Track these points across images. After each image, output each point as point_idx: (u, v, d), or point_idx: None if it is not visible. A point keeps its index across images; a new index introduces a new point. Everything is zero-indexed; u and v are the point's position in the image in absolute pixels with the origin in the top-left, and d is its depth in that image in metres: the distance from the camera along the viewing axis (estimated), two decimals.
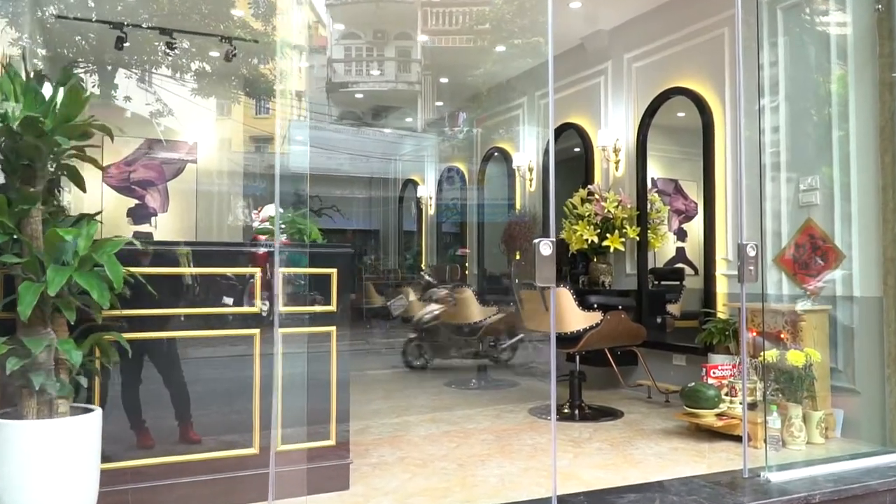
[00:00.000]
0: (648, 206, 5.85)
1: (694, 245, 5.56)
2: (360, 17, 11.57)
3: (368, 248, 12.12)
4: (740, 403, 4.25)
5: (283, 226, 3.65)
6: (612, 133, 6.17)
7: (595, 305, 4.84)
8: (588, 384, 5.33)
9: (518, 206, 7.82)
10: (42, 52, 7.47)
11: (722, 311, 5.00)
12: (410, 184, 10.68)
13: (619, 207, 5.80)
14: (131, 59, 7.72)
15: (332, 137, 11.18)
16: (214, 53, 7.57)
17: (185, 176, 7.31)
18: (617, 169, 6.16)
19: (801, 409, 4.03)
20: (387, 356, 8.61)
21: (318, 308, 3.12)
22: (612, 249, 5.80)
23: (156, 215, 7.12)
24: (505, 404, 5.32)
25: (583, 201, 6.03)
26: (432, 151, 10.51)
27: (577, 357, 4.92)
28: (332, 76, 12.83)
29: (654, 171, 5.96)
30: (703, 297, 5.28)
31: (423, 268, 9.91)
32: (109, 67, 7.77)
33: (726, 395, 4.36)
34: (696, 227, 5.55)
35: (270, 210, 3.88)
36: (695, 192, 5.61)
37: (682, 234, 5.86)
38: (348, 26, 12.35)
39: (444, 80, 9.43)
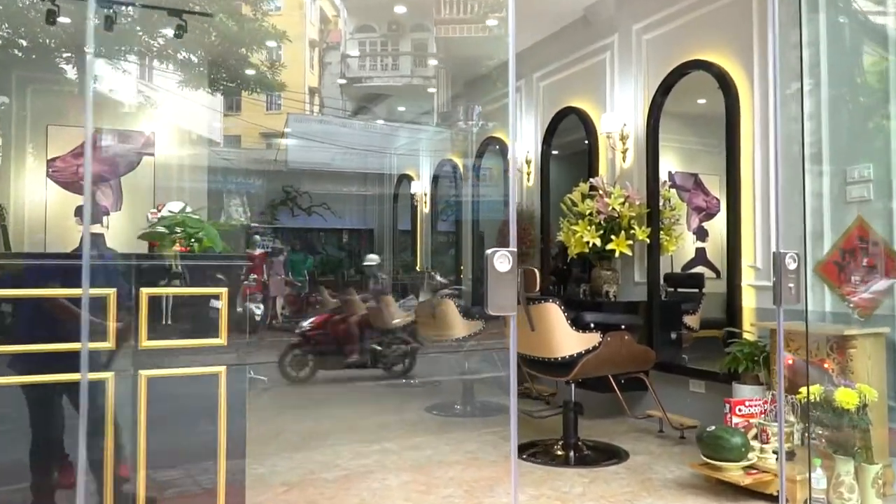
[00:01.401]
0: (661, 203, 4.97)
1: (716, 246, 4.70)
2: (373, 9, 11.04)
3: (362, 248, 11.35)
4: (773, 452, 3.38)
5: (178, 231, 2.87)
6: (619, 118, 5.28)
7: (592, 325, 3.96)
8: (589, 412, 4.50)
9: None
10: (23, 42, 7.05)
11: (749, 332, 4.10)
12: (405, 179, 9.86)
13: (626, 205, 4.92)
14: (119, 47, 7.19)
15: (319, 130, 10.43)
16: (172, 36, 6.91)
17: (142, 170, 6.54)
18: (624, 159, 5.28)
19: (852, 463, 3.15)
20: (374, 368, 7.83)
21: (197, 341, 2.31)
22: (617, 254, 4.92)
23: (107, 214, 6.35)
24: (489, 438, 4.49)
25: (584, 197, 5.14)
26: (427, 144, 9.68)
27: (573, 386, 4.06)
28: (345, 71, 12.23)
29: (672, 164, 5.09)
30: (727, 312, 4.39)
31: (419, 269, 9.10)
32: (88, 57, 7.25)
33: (754, 438, 3.49)
34: (717, 226, 4.69)
35: (172, 207, 3.09)
36: (717, 188, 4.76)
37: (702, 234, 4.99)
38: (362, 19, 11.83)
39: (432, 62, 8.60)
